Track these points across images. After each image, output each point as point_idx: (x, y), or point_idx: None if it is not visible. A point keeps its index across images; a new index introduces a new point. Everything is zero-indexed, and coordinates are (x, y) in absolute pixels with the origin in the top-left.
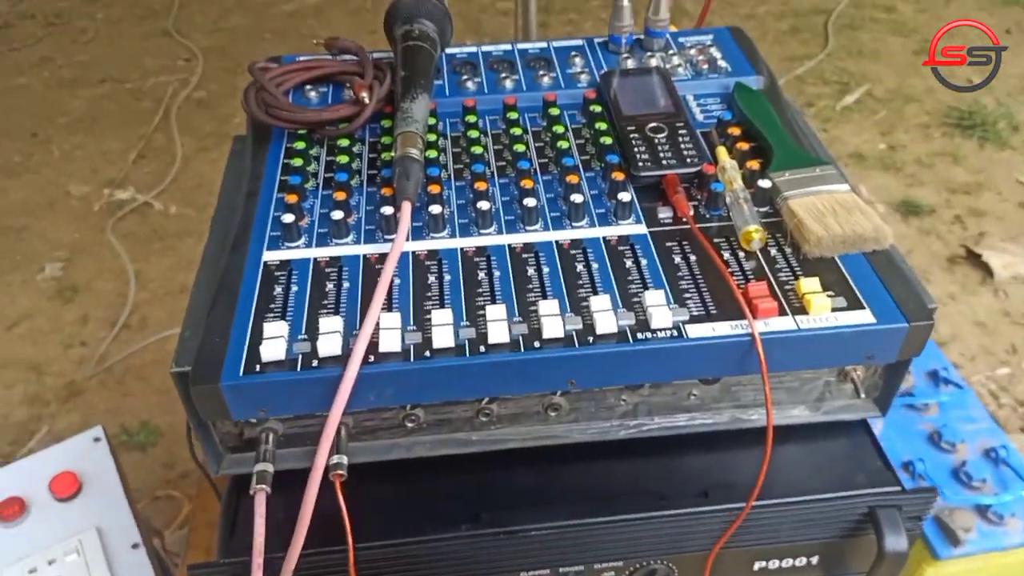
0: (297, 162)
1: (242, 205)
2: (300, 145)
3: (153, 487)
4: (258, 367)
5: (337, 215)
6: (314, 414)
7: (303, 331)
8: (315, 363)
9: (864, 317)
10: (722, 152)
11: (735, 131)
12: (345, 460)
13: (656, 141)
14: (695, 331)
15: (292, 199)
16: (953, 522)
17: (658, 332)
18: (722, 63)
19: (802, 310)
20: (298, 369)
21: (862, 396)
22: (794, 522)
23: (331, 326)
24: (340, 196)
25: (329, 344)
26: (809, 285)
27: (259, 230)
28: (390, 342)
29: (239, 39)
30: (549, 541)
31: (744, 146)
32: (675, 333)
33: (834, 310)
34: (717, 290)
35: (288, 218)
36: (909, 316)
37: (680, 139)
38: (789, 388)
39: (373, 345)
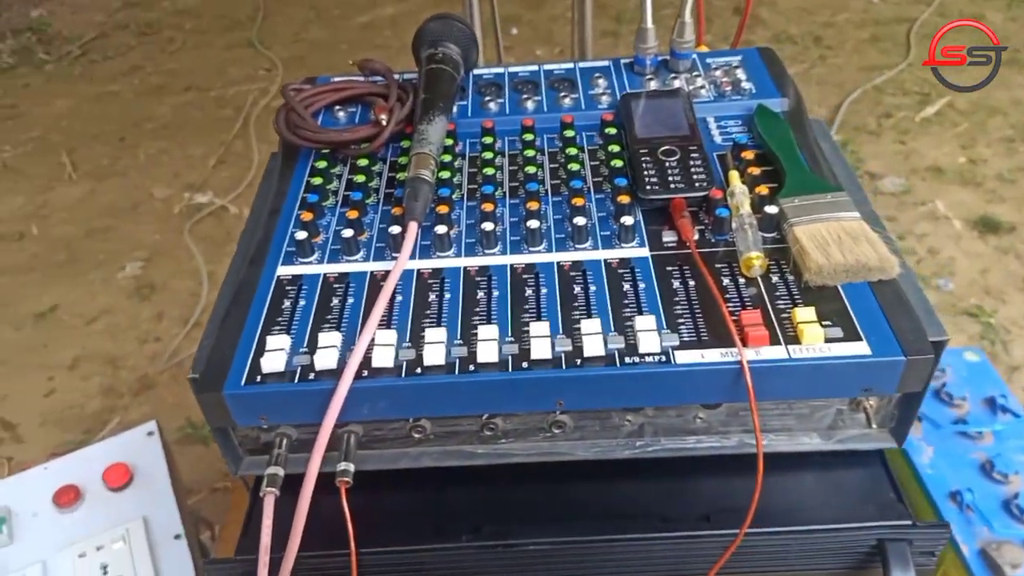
0: (317, 181)
1: (264, 221)
2: (322, 164)
3: (212, 480)
4: (259, 378)
5: (347, 233)
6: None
7: (304, 344)
8: (312, 376)
9: (859, 349)
10: (734, 176)
11: (748, 155)
12: (351, 468)
13: (667, 164)
14: (683, 357)
15: (307, 216)
16: (1001, 557)
17: (646, 357)
18: (746, 85)
19: (796, 339)
20: (295, 381)
21: (874, 426)
22: (800, 551)
23: (329, 341)
24: (352, 215)
25: (325, 358)
26: (804, 314)
27: (277, 245)
28: (383, 358)
29: (317, 50)
30: (548, 556)
31: (756, 171)
32: (663, 359)
33: (828, 340)
34: (711, 317)
35: (301, 235)
36: (907, 349)
37: (691, 163)
38: (800, 415)
39: (367, 360)
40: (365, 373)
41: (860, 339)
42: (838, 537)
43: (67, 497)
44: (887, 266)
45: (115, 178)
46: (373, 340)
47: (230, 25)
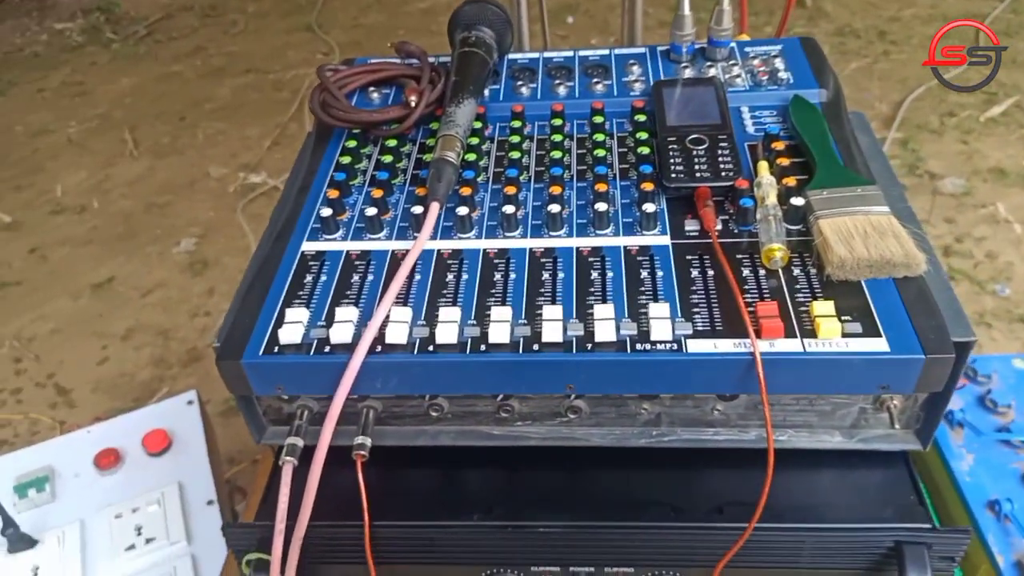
0: (346, 160)
1: (293, 198)
2: (352, 144)
3: (254, 451)
4: (276, 348)
5: (371, 211)
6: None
7: (322, 318)
8: (327, 349)
9: (877, 345)
10: (763, 167)
11: (779, 145)
12: (368, 442)
13: (694, 153)
14: (696, 346)
15: (333, 194)
16: None
17: (657, 344)
18: (784, 75)
19: (813, 333)
20: (311, 353)
21: (897, 427)
22: (815, 549)
23: (346, 316)
24: (377, 193)
25: (341, 332)
26: (822, 308)
27: (303, 222)
28: (397, 335)
29: (375, 35)
30: (558, 540)
31: (785, 161)
32: (675, 347)
33: (845, 335)
34: (727, 306)
35: (326, 211)
36: (927, 348)
37: (719, 152)
38: (821, 412)
39: (382, 336)
40: (379, 348)
41: (879, 335)
42: (854, 537)
43: (107, 460)
44: (913, 262)
45: (174, 156)
46: (388, 317)
47: (291, 9)
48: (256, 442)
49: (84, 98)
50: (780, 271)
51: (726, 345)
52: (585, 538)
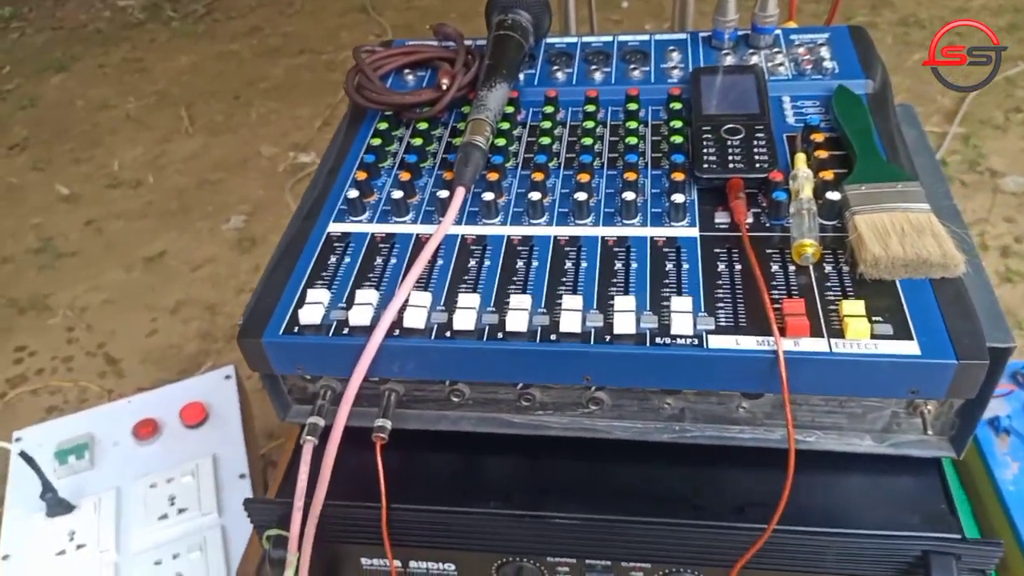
0: (376, 142)
1: (323, 179)
2: (384, 126)
3: (293, 428)
4: (296, 328)
5: (397, 194)
6: (370, 377)
7: (343, 300)
8: (346, 331)
9: (908, 348)
10: (800, 159)
11: (818, 137)
12: (388, 424)
13: (728, 143)
14: (717, 342)
15: (362, 176)
16: None
17: (677, 339)
18: (829, 64)
19: (840, 333)
20: (330, 335)
21: (931, 433)
22: (839, 555)
23: (366, 298)
24: (404, 176)
25: (360, 315)
26: (851, 307)
27: (332, 202)
28: (415, 319)
29: (427, 18)
30: (575, 531)
31: (823, 154)
32: (695, 342)
33: (874, 337)
34: (752, 302)
35: (353, 193)
36: (960, 353)
37: (755, 142)
38: (851, 414)
39: (400, 320)
40: (396, 332)
41: (911, 338)
42: (880, 544)
43: (146, 430)
44: (951, 263)
45: (228, 134)
46: (407, 301)
47: None
48: (280, 420)
49: (143, 75)
50: (811, 268)
51: (748, 342)
52: (603, 531)
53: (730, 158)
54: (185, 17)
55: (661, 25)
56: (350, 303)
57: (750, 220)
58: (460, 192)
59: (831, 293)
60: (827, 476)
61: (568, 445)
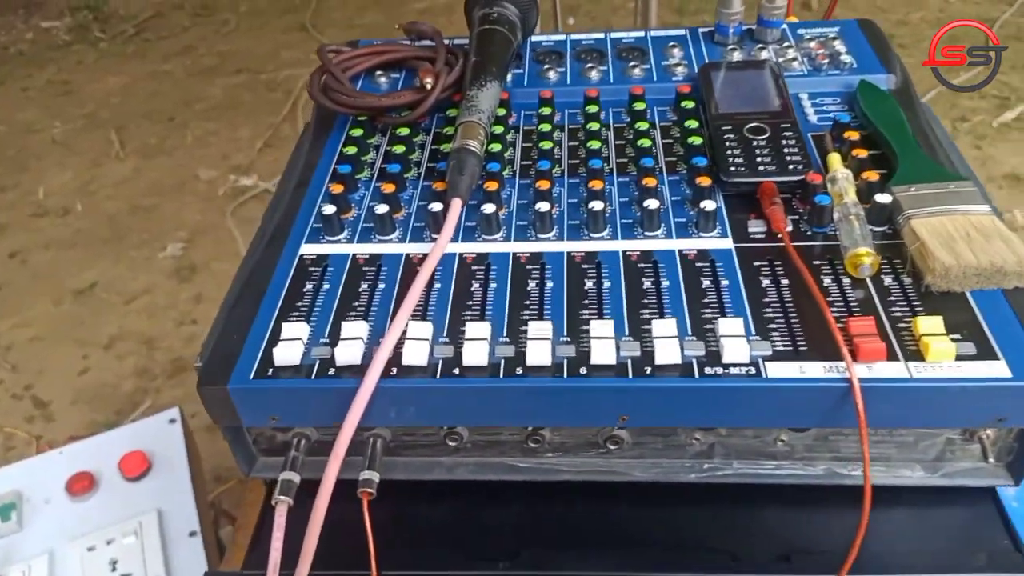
0: (351, 150)
1: (289, 195)
2: (357, 133)
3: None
4: (271, 371)
5: (382, 209)
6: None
7: (325, 334)
8: (331, 371)
9: (997, 370)
10: (835, 159)
11: (853, 135)
12: (376, 477)
13: (754, 144)
14: (777, 370)
15: (337, 189)
16: None
17: (731, 368)
18: (846, 58)
19: (918, 355)
20: (312, 377)
21: (991, 460)
22: None
23: (354, 331)
24: (388, 189)
25: (348, 352)
26: (929, 325)
27: (302, 222)
28: (416, 355)
29: (371, 35)
30: None
31: (862, 153)
32: (752, 371)
33: (959, 358)
34: (811, 323)
35: (329, 209)
36: None
37: (784, 143)
38: (902, 444)
39: (397, 357)
40: (394, 371)
41: (997, 358)
42: None
43: (81, 485)
44: None
45: (162, 157)
46: (405, 333)
47: (285, 8)
48: (245, 475)
49: (70, 97)
50: (868, 280)
51: (814, 369)
52: None
53: (759, 160)
54: (114, 38)
55: None
56: (335, 338)
57: (789, 228)
58: (457, 204)
59: (896, 309)
60: (874, 513)
61: (582, 491)
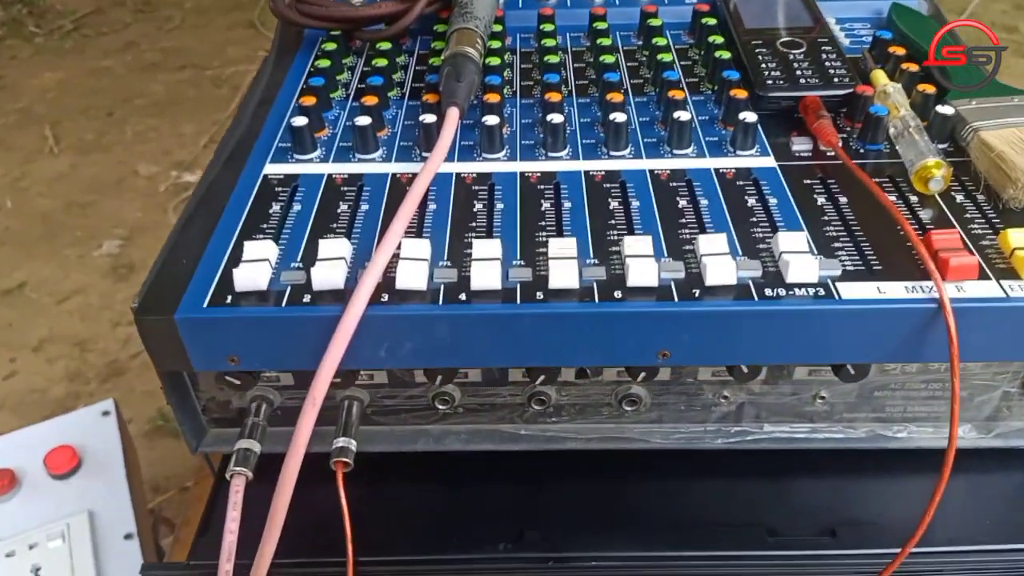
0: (324, 63)
1: (250, 116)
2: (331, 47)
3: (183, 477)
4: (229, 298)
5: (363, 120)
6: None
7: (298, 258)
8: (307, 298)
9: None
10: (880, 75)
11: (898, 51)
12: (352, 445)
13: (791, 58)
14: (852, 291)
15: (309, 101)
16: None
17: (796, 290)
18: None
19: (1011, 273)
20: (283, 304)
21: None
22: None
23: (334, 250)
24: (371, 100)
25: (328, 273)
26: (1020, 238)
27: (266, 141)
28: (413, 277)
29: None
30: None
31: (912, 67)
32: (821, 292)
33: None
34: (883, 241)
35: (300, 121)
36: None
37: (824, 56)
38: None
39: (390, 281)
40: (385, 297)
41: None
42: (1003, 560)
43: (1, 483)
44: None
45: (99, 153)
46: (398, 253)
47: (232, 5)
48: (192, 450)
49: (2, 92)
50: (938, 198)
51: (895, 290)
52: (653, 574)
53: (799, 74)
54: (51, 33)
55: None
56: (310, 261)
57: (839, 143)
58: (454, 112)
59: (975, 227)
60: (915, 481)
61: (593, 462)
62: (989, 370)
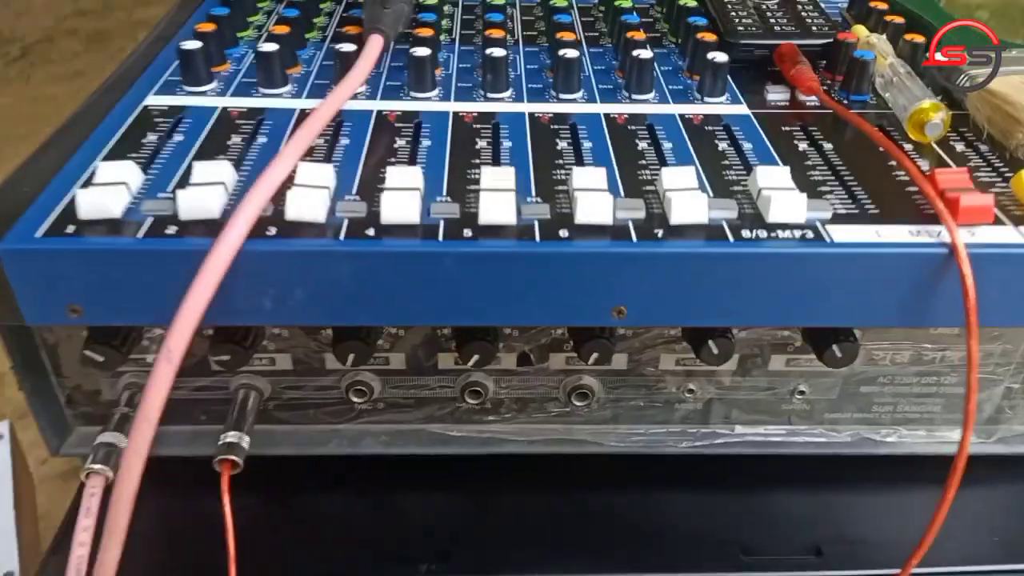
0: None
1: (142, 52)
2: None
3: None
4: (72, 228)
5: (268, 47)
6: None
7: (168, 188)
8: (173, 230)
9: None
10: (861, 28)
11: (880, 5)
12: (244, 442)
13: (763, 7)
14: (846, 234)
15: (208, 27)
16: None
17: (780, 231)
18: None
19: None
20: (140, 235)
21: None
22: None
23: (212, 174)
24: (281, 30)
25: (200, 198)
26: None
27: (154, 72)
28: (308, 206)
29: None
30: None
31: (897, 19)
32: (810, 234)
33: None
34: (879, 184)
35: (193, 44)
36: None
37: (800, 7)
38: (948, 397)
39: (279, 212)
40: (272, 231)
41: None
42: None
43: None
44: None
45: None
46: (293, 177)
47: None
48: (52, 452)
49: None
50: (936, 147)
51: (897, 233)
52: None
53: (772, 22)
54: None
55: None
56: (182, 183)
57: (821, 89)
58: (377, 40)
59: (981, 175)
60: (907, 491)
61: (536, 468)
62: (990, 361)
